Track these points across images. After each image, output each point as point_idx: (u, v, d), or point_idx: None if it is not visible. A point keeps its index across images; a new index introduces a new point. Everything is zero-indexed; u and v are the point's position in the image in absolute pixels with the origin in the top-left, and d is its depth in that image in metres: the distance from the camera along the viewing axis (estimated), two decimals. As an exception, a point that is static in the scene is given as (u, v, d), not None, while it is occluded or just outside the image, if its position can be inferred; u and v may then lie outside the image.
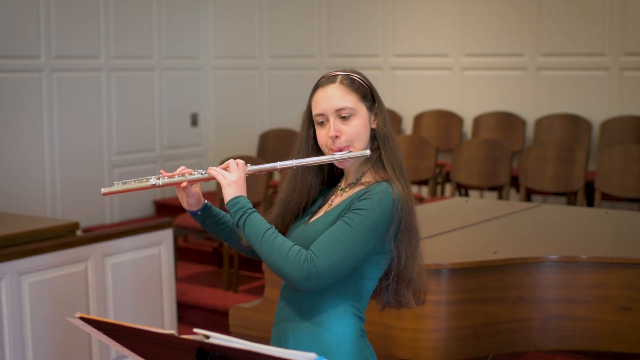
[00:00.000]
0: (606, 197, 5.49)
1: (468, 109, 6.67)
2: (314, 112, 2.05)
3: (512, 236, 3.40)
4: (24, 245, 3.91)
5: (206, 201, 2.14)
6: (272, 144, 7.02)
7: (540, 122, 6.27)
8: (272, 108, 7.62)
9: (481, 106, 6.60)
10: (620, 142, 5.84)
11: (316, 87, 2.06)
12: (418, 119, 6.77)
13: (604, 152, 5.43)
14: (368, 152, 2.01)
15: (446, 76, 6.77)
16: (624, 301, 2.89)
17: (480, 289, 2.86)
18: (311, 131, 2.10)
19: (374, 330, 2.69)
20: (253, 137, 7.59)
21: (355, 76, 2.06)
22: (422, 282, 2.08)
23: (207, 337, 1.55)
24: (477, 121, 6.52)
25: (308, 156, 2.08)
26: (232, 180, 1.98)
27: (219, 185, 2.06)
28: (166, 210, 7.19)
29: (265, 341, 2.00)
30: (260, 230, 1.94)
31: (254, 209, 1.97)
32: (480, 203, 4.51)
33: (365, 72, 2.17)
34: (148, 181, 2.03)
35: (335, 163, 2.06)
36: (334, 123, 2.01)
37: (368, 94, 2.06)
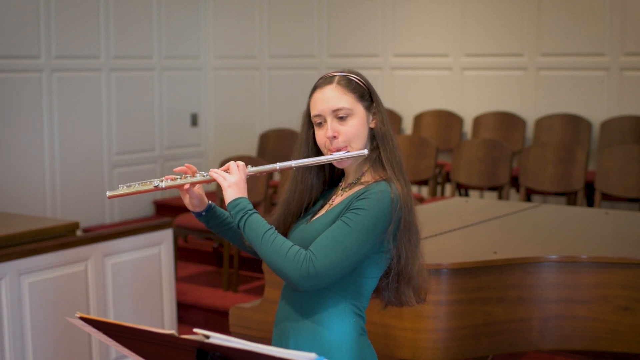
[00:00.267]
0: (606, 197, 5.49)
1: (468, 109, 6.67)
2: (312, 113, 2.07)
3: (512, 236, 3.40)
4: (24, 245, 3.91)
5: (210, 202, 2.17)
6: (272, 144, 7.02)
7: (540, 122, 6.27)
8: (272, 108, 7.62)
9: (481, 106, 6.60)
10: (620, 142, 5.84)
11: (314, 89, 2.08)
12: (418, 119, 6.77)
13: (604, 152, 5.43)
14: (365, 151, 2.03)
15: (446, 76, 6.77)
16: (624, 301, 2.89)
17: (480, 289, 2.86)
18: (311, 132, 2.11)
19: (374, 330, 2.69)
20: (253, 137, 7.59)
21: (352, 76, 2.07)
22: (422, 281, 2.09)
23: (207, 337, 1.55)
24: (477, 121, 6.52)
25: (308, 157, 2.10)
26: (232, 182, 2.00)
27: (219, 186, 2.07)
28: (166, 210, 7.19)
29: (265, 341, 2.01)
30: (260, 230, 1.96)
31: (254, 210, 1.99)
32: (480, 203, 4.51)
33: (365, 72, 2.17)
34: (151, 184, 2.06)
35: (334, 163, 2.08)
36: (331, 123, 2.03)
37: (366, 94, 2.07)
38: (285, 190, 2.17)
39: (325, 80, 2.07)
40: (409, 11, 6.88)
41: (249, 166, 2.07)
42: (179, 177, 2.08)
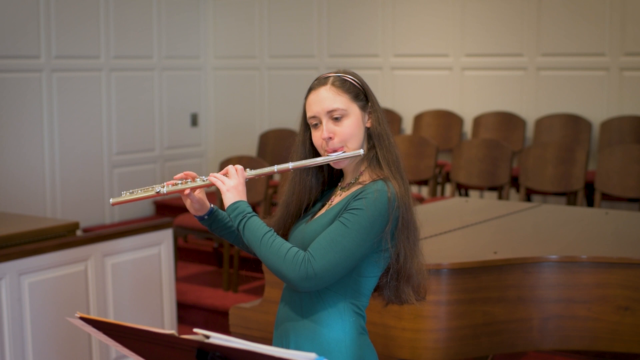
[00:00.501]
0: (606, 197, 5.49)
1: (468, 109, 6.67)
2: (308, 114, 2.09)
3: (512, 236, 3.40)
4: (24, 245, 3.91)
5: (212, 205, 2.20)
6: (272, 144, 7.02)
7: (540, 122, 6.27)
8: (272, 108, 7.62)
9: (481, 106, 6.61)
10: (620, 142, 5.84)
11: (309, 90, 2.10)
12: (418, 119, 6.77)
13: (604, 152, 5.43)
14: (361, 151, 2.04)
15: (446, 76, 6.77)
16: (624, 301, 2.89)
17: (480, 289, 2.86)
18: (307, 133, 2.13)
19: (374, 330, 2.69)
20: (253, 137, 7.59)
21: (347, 77, 2.08)
22: (422, 278, 2.10)
23: (207, 337, 1.55)
24: (477, 121, 6.52)
25: (305, 158, 2.12)
26: (231, 186, 2.03)
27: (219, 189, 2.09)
28: (166, 210, 7.20)
29: (265, 341, 2.01)
30: (259, 233, 1.98)
31: (253, 213, 2.02)
32: (480, 203, 4.51)
33: (365, 72, 2.18)
34: (153, 190, 2.10)
35: (331, 164, 2.09)
36: (326, 125, 2.04)
37: (360, 94, 2.08)
38: (285, 191, 2.20)
39: (319, 82, 2.08)
40: (409, 11, 6.88)
41: (248, 169, 2.09)
42: (179, 182, 2.11)
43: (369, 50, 7.08)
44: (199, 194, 2.14)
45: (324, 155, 2.07)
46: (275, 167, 2.08)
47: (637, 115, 5.96)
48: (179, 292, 5.20)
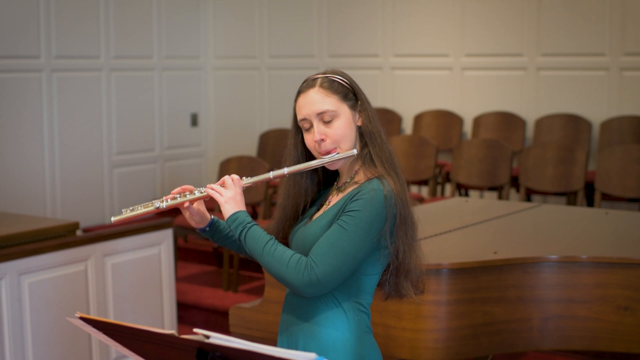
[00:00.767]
0: (606, 197, 5.49)
1: (468, 109, 6.67)
2: (299, 117, 2.08)
3: (512, 236, 3.40)
4: (24, 245, 3.91)
5: (213, 217, 2.21)
6: (272, 144, 7.02)
7: (540, 122, 6.27)
8: (272, 108, 7.62)
9: (481, 106, 6.60)
10: (620, 142, 5.84)
11: (298, 93, 2.10)
12: (418, 119, 6.77)
13: (604, 152, 5.43)
14: (355, 151, 2.05)
15: (446, 76, 6.77)
16: (624, 301, 2.89)
17: (480, 289, 2.86)
18: (299, 136, 2.13)
19: (374, 330, 2.68)
20: (253, 137, 7.59)
21: (334, 77, 2.08)
22: (420, 272, 2.10)
23: (207, 337, 1.55)
24: (477, 121, 6.52)
25: (299, 161, 2.13)
26: (229, 197, 2.04)
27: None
28: (166, 211, 7.19)
29: (265, 341, 2.01)
30: (260, 242, 1.99)
31: (253, 222, 2.02)
32: (480, 203, 4.51)
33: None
34: (153, 205, 2.11)
35: (326, 166, 2.09)
36: (317, 127, 2.04)
37: (349, 93, 2.07)
38: (280, 194, 2.21)
39: (308, 84, 2.08)
40: (409, 11, 6.88)
41: (244, 178, 2.10)
42: (177, 196, 2.12)
43: (369, 50, 7.08)
44: (198, 206, 2.15)
45: (317, 157, 2.07)
46: (271, 174, 2.08)
47: (637, 115, 5.96)
48: (179, 292, 5.20)
